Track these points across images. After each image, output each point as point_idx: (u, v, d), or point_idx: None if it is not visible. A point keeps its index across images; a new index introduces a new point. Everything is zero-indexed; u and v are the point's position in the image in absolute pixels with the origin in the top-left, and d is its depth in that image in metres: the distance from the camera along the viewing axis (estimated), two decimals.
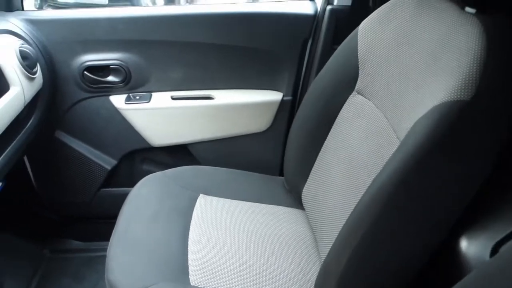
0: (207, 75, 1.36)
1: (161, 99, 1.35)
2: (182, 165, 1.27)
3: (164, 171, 1.22)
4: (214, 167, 1.28)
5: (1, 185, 1.29)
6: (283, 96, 1.39)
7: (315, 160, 1.09)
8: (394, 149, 0.72)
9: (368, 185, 0.74)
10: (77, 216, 1.56)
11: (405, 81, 0.80)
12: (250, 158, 1.48)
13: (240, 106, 1.37)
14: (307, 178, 1.11)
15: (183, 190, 1.14)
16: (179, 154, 1.47)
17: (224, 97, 1.38)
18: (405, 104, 0.78)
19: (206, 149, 1.45)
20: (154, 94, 1.36)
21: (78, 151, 1.41)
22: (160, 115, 1.35)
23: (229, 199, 1.14)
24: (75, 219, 1.56)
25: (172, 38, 1.27)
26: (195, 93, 1.37)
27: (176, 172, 1.23)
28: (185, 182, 1.17)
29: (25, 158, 1.44)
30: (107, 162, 1.44)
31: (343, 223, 0.78)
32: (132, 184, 1.47)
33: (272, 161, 1.49)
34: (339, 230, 0.78)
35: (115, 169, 1.46)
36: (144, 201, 1.09)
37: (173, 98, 1.36)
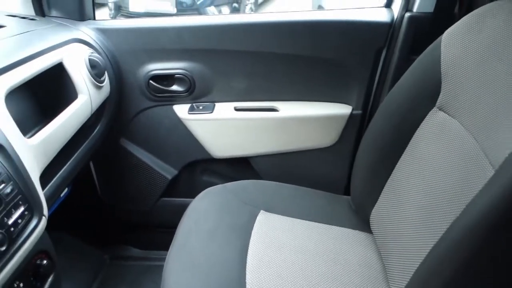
0: (271, 86, 1.30)
1: (224, 109, 1.32)
2: (243, 178, 1.23)
3: (225, 184, 1.18)
4: (276, 183, 1.22)
5: (68, 190, 1.31)
6: (352, 109, 1.30)
7: (386, 181, 0.99)
8: (487, 178, 0.61)
9: (450, 220, 0.63)
10: (137, 224, 1.56)
11: (501, 99, 0.69)
12: (315, 174, 1.40)
13: (306, 119, 1.30)
14: (377, 200, 1.01)
15: (243, 205, 1.09)
16: (240, 167, 1.43)
17: (289, 109, 1.31)
18: (502, 125, 0.67)
19: (269, 163, 1.40)
20: (217, 104, 1.33)
21: (140, 159, 1.41)
22: (223, 126, 1.32)
23: (291, 218, 1.07)
24: (135, 227, 1.57)
25: (237, 48, 1.24)
26: (259, 105, 1.32)
27: (237, 186, 1.18)
28: (245, 197, 1.12)
29: (91, 165, 1.46)
30: (168, 172, 1.43)
31: (418, 258, 0.68)
32: (192, 194, 1.46)
33: (338, 179, 1.40)
34: (414, 265, 0.70)
35: (176, 179, 1.45)
36: (203, 215, 1.06)
37: (237, 109, 1.32)
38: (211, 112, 1.30)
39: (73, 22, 1.23)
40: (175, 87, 1.30)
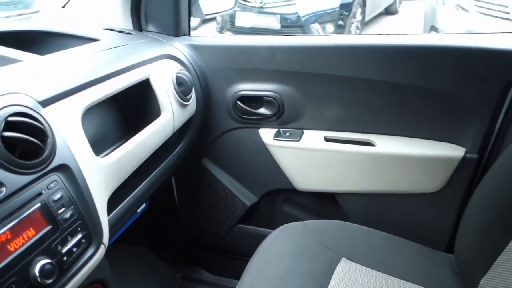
0: (369, 117, 1.15)
1: (313, 138, 1.20)
2: (327, 217, 1.10)
3: (305, 222, 1.06)
4: (364, 227, 1.06)
5: (146, 205, 1.30)
6: (466, 152, 1.09)
7: (504, 247, 0.79)
8: None
9: None
10: (212, 247, 1.50)
11: None
12: (412, 223, 1.21)
13: (407, 158, 1.12)
14: (490, 266, 0.81)
15: (323, 249, 0.97)
16: (325, 203, 1.29)
17: (388, 145, 1.14)
18: None
19: (358, 203, 1.24)
20: (306, 132, 1.21)
21: (221, 182, 1.35)
22: (310, 156, 1.19)
23: (378, 271, 0.93)
24: (209, 249, 1.51)
25: (332, 72, 1.11)
26: (353, 136, 1.18)
27: (319, 226, 1.06)
28: (327, 239, 1.00)
29: (173, 181, 1.44)
30: (247, 198, 1.35)
31: None
32: (270, 225, 1.36)
33: (440, 232, 1.19)
34: None
35: (254, 206, 1.36)
36: (276, 256, 0.95)
37: (327, 139, 1.19)
38: (299, 140, 1.19)
39: (167, 37, 1.21)
40: (262, 110, 1.21)
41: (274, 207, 1.37)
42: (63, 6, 1.23)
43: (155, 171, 1.04)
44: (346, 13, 5.39)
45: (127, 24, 1.22)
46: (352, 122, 1.17)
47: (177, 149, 1.17)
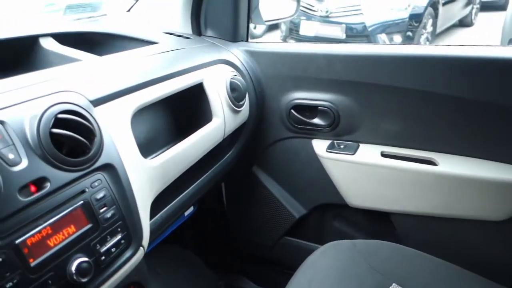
0: (432, 134, 1.07)
1: (369, 153, 1.13)
2: (379, 237, 1.03)
3: (355, 241, 1.00)
4: (419, 252, 0.98)
5: (194, 209, 1.30)
6: None
7: None
8: None
9: None
10: (257, 257, 1.47)
11: None
12: (474, 252, 1.10)
13: (474, 181, 1.02)
14: None
15: (372, 272, 0.90)
16: (378, 222, 1.21)
17: (452, 165, 1.05)
18: None
19: (414, 225, 1.15)
20: (361, 145, 1.15)
21: (270, 191, 1.32)
22: (365, 172, 1.13)
23: None
24: (254, 259, 1.48)
25: (394, 83, 1.04)
26: (413, 153, 1.09)
27: (369, 246, 0.99)
28: (377, 262, 0.93)
29: (223, 188, 1.43)
30: (296, 210, 1.30)
31: None
32: (318, 239, 1.31)
33: (506, 265, 1.07)
34: None
35: (303, 218, 1.31)
36: (320, 275, 0.90)
37: (384, 155, 1.11)
38: (353, 154, 1.13)
39: (225, 42, 1.21)
40: (317, 120, 1.17)
41: (323, 222, 1.31)
42: (128, 10, 1.27)
43: (203, 176, 1.04)
44: (416, 24, 5.17)
45: (187, 29, 1.23)
46: (413, 138, 1.09)
47: (227, 155, 1.16)
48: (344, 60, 1.08)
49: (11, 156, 0.54)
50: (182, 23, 1.22)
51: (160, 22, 1.24)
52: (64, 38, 0.92)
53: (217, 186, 1.41)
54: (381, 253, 0.97)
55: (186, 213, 1.26)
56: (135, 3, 1.27)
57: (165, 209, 0.89)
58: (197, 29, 1.24)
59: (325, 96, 1.13)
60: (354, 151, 1.13)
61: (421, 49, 1.04)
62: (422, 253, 0.97)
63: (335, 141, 1.17)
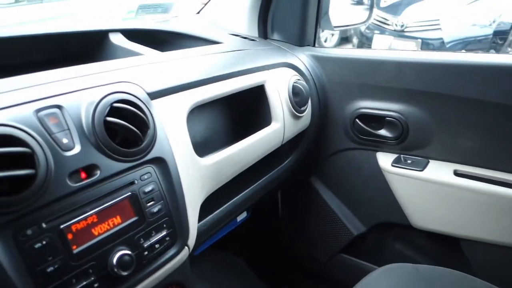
0: None
1: (440, 170, 1.03)
2: (446, 264, 0.93)
3: (418, 265, 0.91)
4: (490, 285, 0.86)
5: (247, 215, 1.26)
6: None
7: None
8: None
9: None
10: (309, 271, 1.40)
11: None
12: None
13: None
14: None
15: None
16: (445, 247, 1.10)
17: None
18: None
19: (488, 254, 1.02)
20: (431, 162, 1.05)
21: (328, 205, 1.25)
22: (434, 191, 1.02)
23: None
24: (306, 273, 1.42)
25: (473, 95, 0.94)
26: (491, 174, 0.98)
27: (433, 272, 0.89)
28: None
29: (279, 196, 1.39)
30: (355, 226, 1.22)
31: None
32: (376, 261, 1.21)
33: None
34: None
35: (362, 236, 1.23)
36: None
37: (457, 174, 1.01)
38: (422, 170, 1.03)
39: (291, 46, 1.17)
40: (383, 132, 1.09)
41: (382, 242, 1.22)
42: (198, 12, 1.28)
43: (257, 182, 1.00)
44: (501, 42, 4.79)
45: (253, 32, 1.21)
46: (493, 157, 0.97)
47: (285, 163, 1.11)
48: (417, 68, 1.00)
49: (65, 140, 0.54)
50: (248, 25, 1.21)
51: (227, 25, 1.24)
52: (132, 35, 0.94)
53: (273, 194, 1.37)
54: (447, 282, 0.87)
55: (239, 219, 1.23)
56: (204, 6, 1.28)
57: (216, 211, 0.87)
58: (264, 32, 1.22)
59: (394, 106, 1.05)
60: (423, 167, 1.03)
61: (503, 57, 0.93)
62: (494, 286, 0.86)
63: (401, 155, 1.08)
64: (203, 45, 0.99)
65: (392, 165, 1.07)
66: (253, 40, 1.14)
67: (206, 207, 0.80)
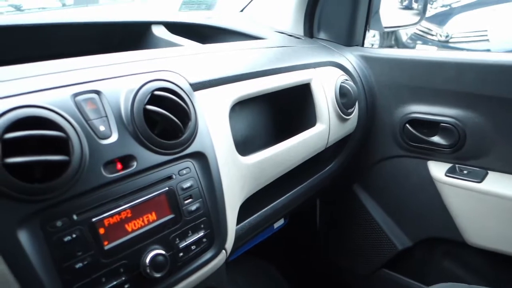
0: None
1: (500, 183, 0.93)
2: (504, 287, 0.82)
3: (474, 286, 0.81)
4: None
5: (284, 222, 1.20)
6: None
7: None
8: None
9: None
10: (345, 286, 1.32)
11: None
12: None
13: None
14: None
15: None
16: (504, 269, 1.00)
17: None
18: None
19: None
20: (491, 173, 0.96)
21: (371, 215, 1.17)
22: (494, 205, 0.93)
23: None
24: (345, 286, 1.33)
25: None
26: None
27: None
28: None
29: (317, 205, 1.32)
30: (400, 240, 1.14)
31: None
32: (421, 278, 1.13)
33: None
34: None
35: (406, 251, 1.14)
36: None
37: None
38: (480, 182, 0.94)
39: (338, 46, 1.11)
40: (436, 139, 1.00)
41: (430, 259, 1.12)
42: (241, 10, 1.25)
43: (298, 187, 0.94)
44: None
45: (298, 30, 1.16)
46: None
47: (327, 168, 1.05)
48: (480, 70, 0.91)
49: (102, 128, 0.50)
50: (294, 24, 1.16)
51: (272, 23, 1.19)
52: (175, 28, 0.91)
53: (312, 202, 1.30)
54: None
55: (276, 226, 1.17)
56: (248, 4, 1.24)
57: (254, 216, 0.81)
58: (309, 30, 1.16)
59: (450, 111, 0.97)
60: (481, 178, 0.94)
61: None
62: None
63: (456, 165, 1.00)
64: (246, 40, 0.94)
65: (446, 175, 0.98)
66: (298, 38, 1.09)
67: (244, 211, 0.75)
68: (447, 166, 1.01)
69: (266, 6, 1.23)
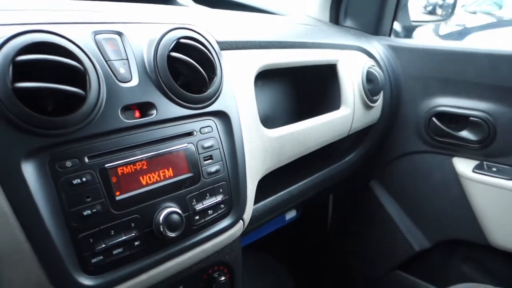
0: None
1: None
2: None
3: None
4: None
5: (296, 215, 1.15)
6: None
7: None
8: None
9: None
10: (357, 285, 1.26)
11: None
12: None
13: None
14: None
15: None
16: None
17: None
18: None
19: None
20: None
21: (388, 213, 1.12)
22: None
23: None
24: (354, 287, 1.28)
25: None
26: None
27: None
28: None
29: (330, 200, 1.27)
30: (417, 241, 1.08)
31: None
32: (439, 281, 1.07)
33: None
34: None
35: (424, 253, 1.08)
36: None
37: None
38: (511, 179, 0.88)
39: (365, 34, 1.07)
40: (465, 134, 0.95)
41: (449, 262, 1.07)
42: None
43: (315, 175, 0.89)
44: None
45: (324, 17, 1.12)
46: None
47: (345, 159, 1.00)
48: None
49: (122, 70, 0.46)
50: (320, 10, 1.12)
51: (298, 9, 1.16)
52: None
53: (326, 195, 1.25)
54: None
55: (288, 217, 1.12)
56: None
57: (270, 199, 0.77)
58: (335, 17, 1.12)
59: (481, 105, 0.92)
60: (511, 176, 0.89)
61: None
62: None
63: (484, 162, 0.94)
64: None
65: (474, 171, 0.93)
66: (324, 23, 1.05)
67: (261, 193, 0.70)
68: (474, 163, 0.95)
69: None
